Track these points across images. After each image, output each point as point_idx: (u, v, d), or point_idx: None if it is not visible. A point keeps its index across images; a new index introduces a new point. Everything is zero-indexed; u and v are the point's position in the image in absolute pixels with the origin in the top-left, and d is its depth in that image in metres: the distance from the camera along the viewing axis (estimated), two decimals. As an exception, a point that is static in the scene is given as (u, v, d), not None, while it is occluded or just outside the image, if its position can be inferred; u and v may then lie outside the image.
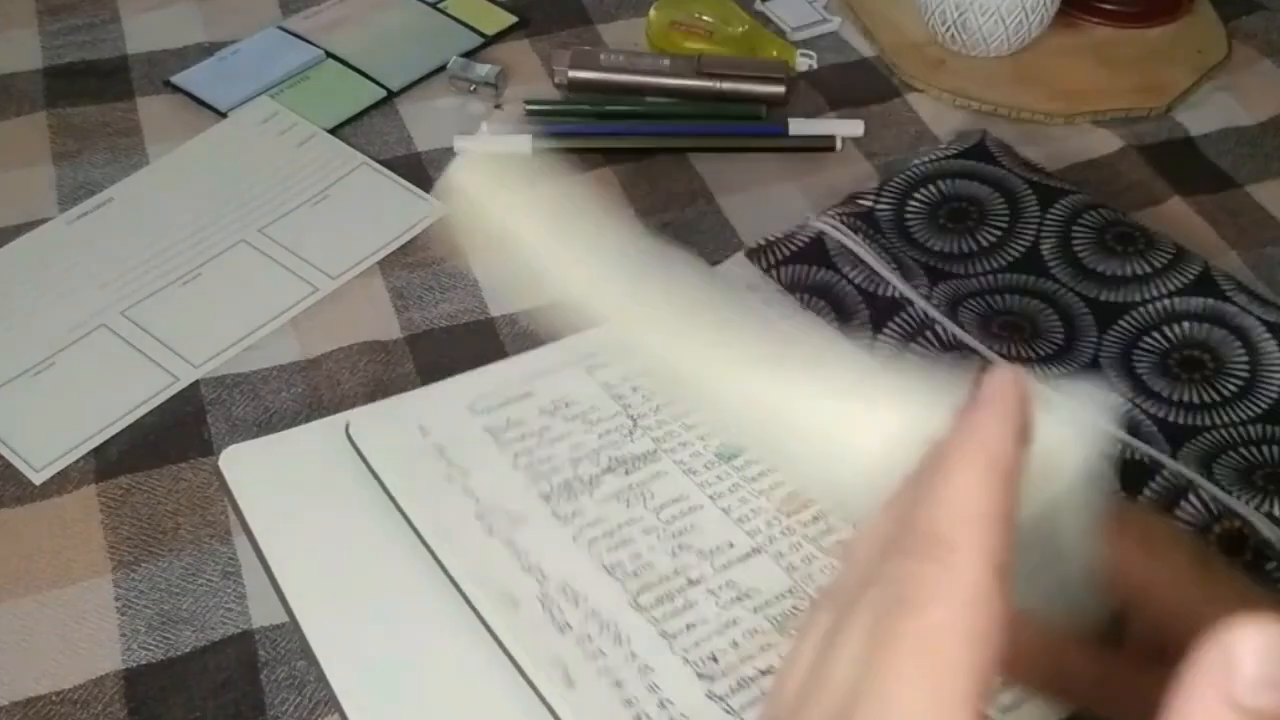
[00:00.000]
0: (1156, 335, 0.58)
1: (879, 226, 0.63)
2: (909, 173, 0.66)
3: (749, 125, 0.74)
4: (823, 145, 0.73)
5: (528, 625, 0.46)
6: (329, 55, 0.79)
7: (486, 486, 0.51)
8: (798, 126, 0.73)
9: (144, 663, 0.50)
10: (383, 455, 0.53)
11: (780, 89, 0.75)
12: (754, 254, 0.62)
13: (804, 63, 0.78)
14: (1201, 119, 0.75)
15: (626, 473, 0.51)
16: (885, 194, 0.65)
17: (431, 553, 0.49)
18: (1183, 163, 0.72)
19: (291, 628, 0.49)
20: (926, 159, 0.67)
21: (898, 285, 0.59)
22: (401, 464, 0.52)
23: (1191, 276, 0.59)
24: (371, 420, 0.54)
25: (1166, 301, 0.59)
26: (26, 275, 0.65)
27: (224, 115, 0.74)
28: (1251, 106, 0.76)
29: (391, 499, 0.51)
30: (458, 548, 0.49)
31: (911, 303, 0.59)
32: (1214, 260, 0.66)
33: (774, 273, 0.61)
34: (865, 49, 0.81)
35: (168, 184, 0.70)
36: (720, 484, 0.51)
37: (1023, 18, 0.75)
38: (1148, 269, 0.60)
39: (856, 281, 0.60)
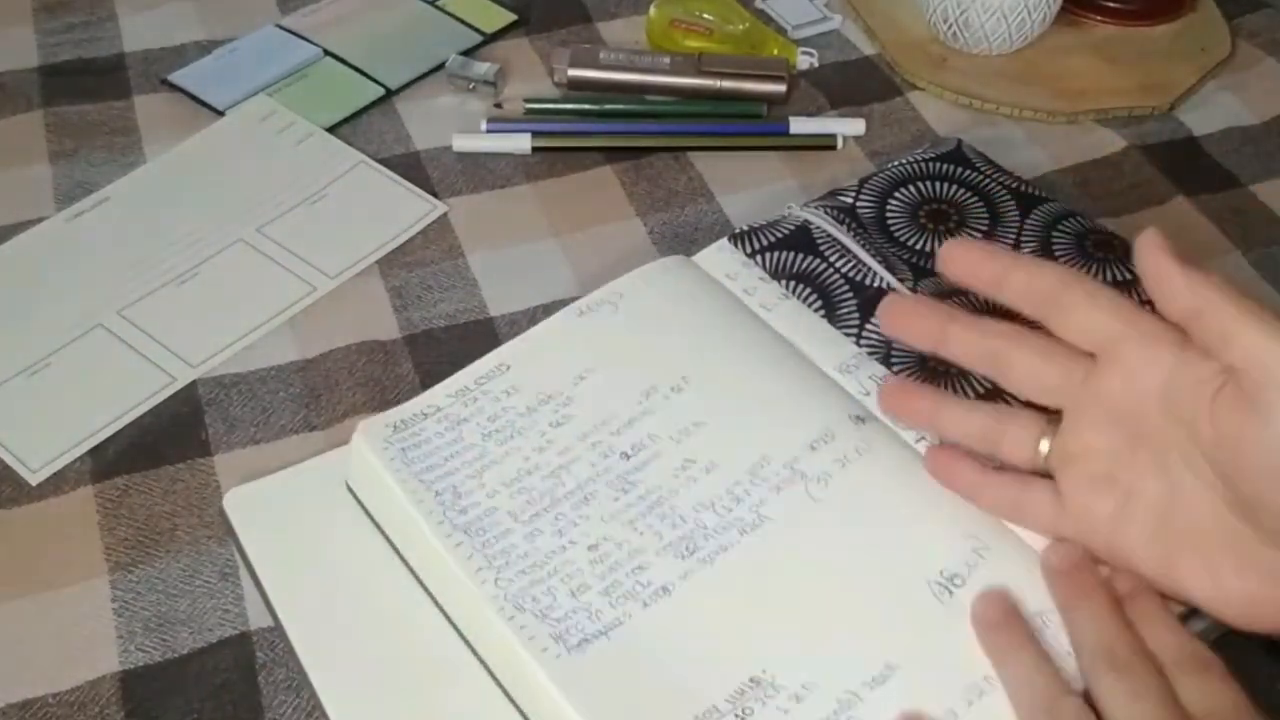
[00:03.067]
0: None
1: (861, 222, 0.63)
2: (887, 173, 0.66)
3: (750, 124, 0.74)
4: (824, 144, 0.72)
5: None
6: (327, 53, 0.78)
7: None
8: (799, 125, 0.73)
9: (141, 664, 0.49)
10: (376, 501, 0.53)
11: (781, 87, 0.75)
12: (737, 239, 0.61)
13: (805, 61, 0.78)
14: (1205, 118, 0.75)
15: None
16: (866, 192, 0.65)
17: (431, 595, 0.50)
18: (1186, 162, 0.72)
19: (298, 672, 0.49)
20: (903, 160, 0.66)
21: (885, 275, 0.59)
22: (392, 506, 0.52)
23: None
24: (361, 467, 0.53)
25: (1149, 308, 0.59)
26: (23, 275, 0.64)
27: (222, 114, 0.74)
28: (1255, 105, 0.76)
29: (397, 552, 0.51)
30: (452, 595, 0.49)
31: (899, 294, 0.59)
32: (1217, 261, 0.66)
33: (758, 258, 0.60)
34: (866, 47, 0.80)
35: (165, 183, 0.70)
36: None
37: (1025, 16, 0.75)
38: (1128, 276, 0.60)
39: (843, 270, 0.60)
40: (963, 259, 0.48)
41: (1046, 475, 0.49)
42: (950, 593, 0.47)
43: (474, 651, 0.48)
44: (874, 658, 0.45)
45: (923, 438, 0.53)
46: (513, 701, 0.46)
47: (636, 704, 0.44)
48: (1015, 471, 0.49)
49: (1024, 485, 0.49)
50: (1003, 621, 0.45)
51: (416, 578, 0.50)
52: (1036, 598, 0.47)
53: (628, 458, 0.52)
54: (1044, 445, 0.48)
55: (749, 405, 0.53)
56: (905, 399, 0.52)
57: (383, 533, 0.52)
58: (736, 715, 0.44)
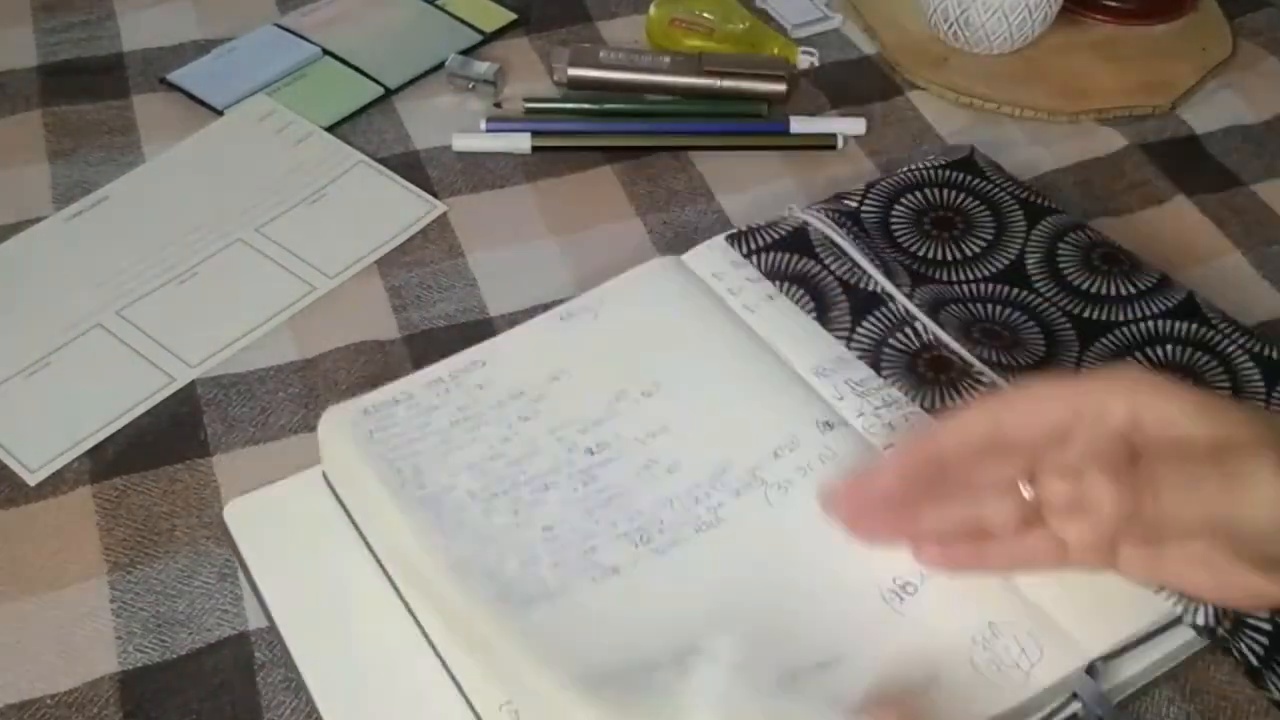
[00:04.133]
0: (1139, 355, 0.57)
1: (864, 226, 0.62)
2: (895, 179, 0.65)
3: (750, 123, 0.74)
4: (824, 143, 0.72)
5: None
6: (326, 53, 0.78)
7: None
8: (799, 124, 0.72)
9: (140, 665, 0.49)
10: (342, 481, 0.53)
11: (781, 87, 0.74)
12: (734, 239, 0.61)
13: (805, 60, 0.78)
14: (1206, 117, 0.74)
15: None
16: (871, 196, 0.64)
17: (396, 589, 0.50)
18: (1187, 161, 0.72)
19: (296, 674, 0.49)
20: (913, 167, 0.66)
21: (880, 280, 0.59)
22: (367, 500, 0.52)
23: (1176, 301, 0.59)
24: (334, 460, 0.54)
25: (1150, 323, 0.58)
26: (21, 275, 0.64)
27: (220, 113, 0.74)
28: (1257, 104, 0.75)
29: (364, 540, 0.52)
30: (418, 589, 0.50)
31: (893, 298, 0.58)
32: (1218, 261, 0.66)
33: (754, 259, 0.60)
34: (867, 46, 0.80)
35: (164, 182, 0.70)
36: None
37: (1026, 15, 0.75)
38: (1132, 290, 0.60)
39: (838, 274, 0.59)
40: (880, 490, 0.47)
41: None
42: (901, 599, 0.47)
43: (426, 636, 0.48)
44: (821, 646, 0.45)
45: (890, 444, 0.52)
46: (457, 685, 0.47)
47: (579, 654, 0.44)
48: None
49: (1020, 537, 0.47)
50: None
51: (380, 564, 0.50)
52: (986, 609, 0.47)
53: (592, 454, 0.52)
54: (1026, 491, 0.46)
55: (717, 412, 0.54)
56: (874, 523, 0.49)
57: (351, 519, 0.52)
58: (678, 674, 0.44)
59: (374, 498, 0.50)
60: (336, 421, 0.52)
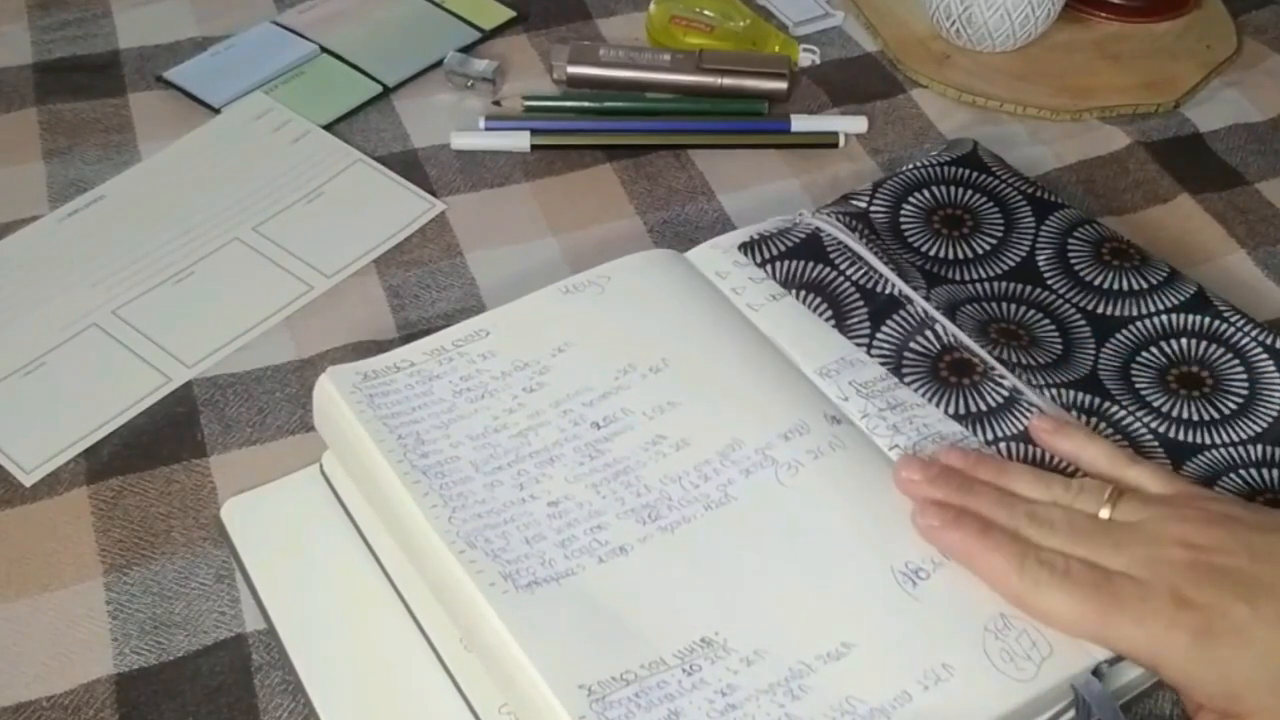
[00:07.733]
0: (1155, 350, 0.57)
1: (874, 228, 0.62)
2: (901, 177, 0.65)
3: (750, 121, 0.73)
4: (826, 142, 0.72)
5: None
6: (324, 50, 0.78)
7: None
8: (800, 123, 0.72)
9: (136, 667, 0.49)
10: (340, 445, 0.52)
11: (782, 85, 0.74)
12: (747, 248, 0.61)
13: (806, 58, 0.78)
14: (1210, 115, 0.74)
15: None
16: (879, 196, 0.64)
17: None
18: (1191, 160, 0.71)
19: (292, 675, 0.49)
20: (918, 164, 0.66)
21: (897, 283, 0.58)
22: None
23: (1187, 295, 0.59)
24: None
25: (1164, 318, 0.58)
26: (16, 274, 0.64)
27: (217, 111, 0.74)
28: (1261, 102, 0.75)
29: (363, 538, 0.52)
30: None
31: (911, 301, 0.58)
32: (1222, 259, 0.65)
33: (768, 267, 0.60)
34: (869, 44, 0.80)
35: (160, 181, 0.69)
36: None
37: (1029, 12, 0.74)
38: (1144, 284, 0.59)
39: (854, 279, 0.59)
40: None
41: None
42: (914, 584, 0.47)
43: (426, 637, 0.48)
44: (831, 635, 0.45)
45: (896, 445, 0.52)
46: (457, 686, 0.47)
47: (580, 649, 0.44)
48: None
49: None
50: None
51: (378, 561, 0.50)
52: (998, 599, 0.47)
53: (598, 427, 0.51)
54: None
55: (726, 392, 0.53)
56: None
57: (347, 512, 0.52)
58: (684, 670, 0.43)
59: (374, 466, 0.49)
60: (336, 381, 0.52)
